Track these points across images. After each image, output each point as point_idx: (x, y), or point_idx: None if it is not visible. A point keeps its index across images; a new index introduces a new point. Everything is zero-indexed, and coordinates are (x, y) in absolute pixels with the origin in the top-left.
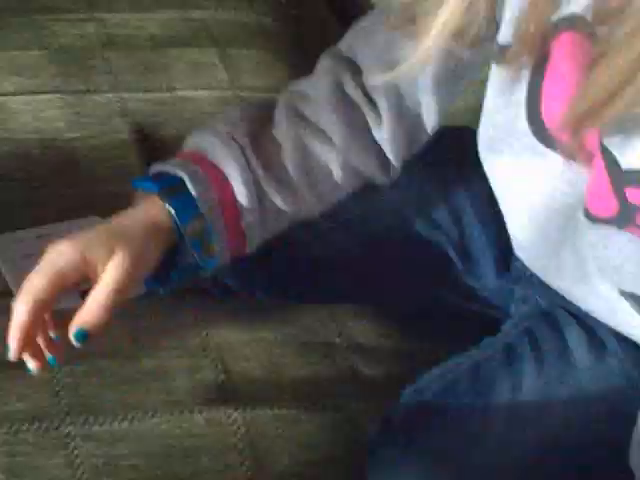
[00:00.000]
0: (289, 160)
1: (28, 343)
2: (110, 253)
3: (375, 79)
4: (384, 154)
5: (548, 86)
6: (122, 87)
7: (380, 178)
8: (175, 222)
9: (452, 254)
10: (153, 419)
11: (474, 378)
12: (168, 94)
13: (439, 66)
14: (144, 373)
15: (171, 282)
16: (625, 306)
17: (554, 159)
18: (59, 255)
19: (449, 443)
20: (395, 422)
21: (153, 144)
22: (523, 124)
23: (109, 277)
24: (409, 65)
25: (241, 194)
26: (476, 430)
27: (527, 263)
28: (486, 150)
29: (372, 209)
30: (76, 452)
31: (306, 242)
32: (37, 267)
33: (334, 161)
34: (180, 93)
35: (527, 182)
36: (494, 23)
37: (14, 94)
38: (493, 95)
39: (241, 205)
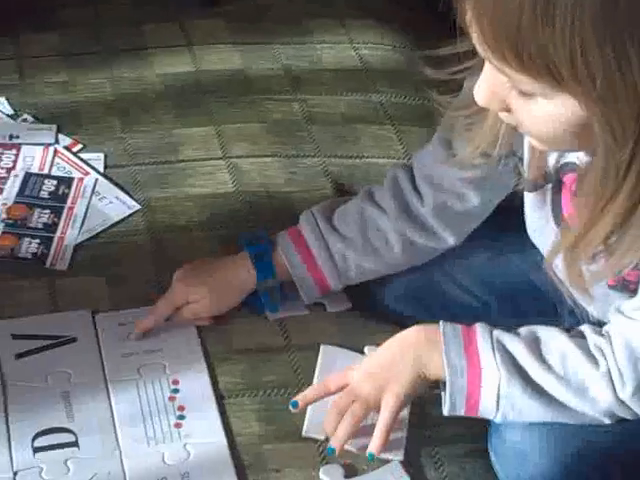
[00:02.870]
0: (352, 221)
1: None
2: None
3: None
4: (430, 226)
5: (566, 207)
6: (323, 153)
7: (432, 248)
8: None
9: None
10: None
11: None
12: (358, 160)
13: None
14: None
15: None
16: None
17: None
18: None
19: None
20: None
21: (349, 198)
22: (553, 228)
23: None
24: (453, 162)
25: (312, 243)
26: None
27: None
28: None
29: None
30: None
31: None
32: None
33: (388, 226)
34: (367, 160)
35: None
36: (515, 158)
37: (243, 157)
38: (528, 208)
39: (314, 250)
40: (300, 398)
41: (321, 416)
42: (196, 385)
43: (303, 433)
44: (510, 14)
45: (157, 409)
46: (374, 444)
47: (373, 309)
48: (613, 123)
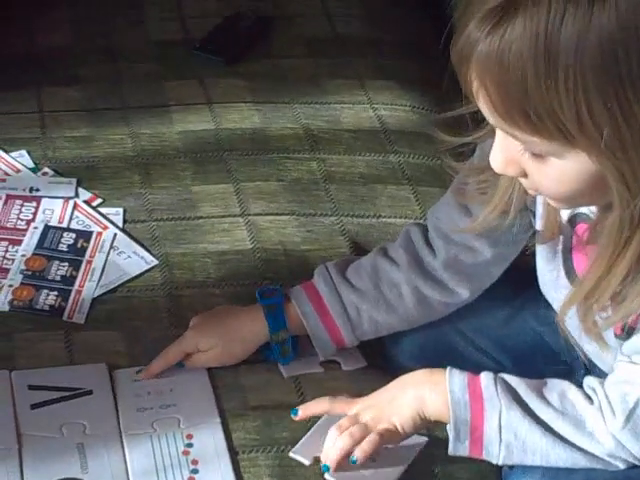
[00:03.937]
0: (365, 274)
1: None
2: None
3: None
4: (442, 280)
5: (576, 259)
6: (341, 213)
7: (445, 303)
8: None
9: None
10: None
11: None
12: (376, 220)
13: (490, 229)
14: None
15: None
16: None
17: None
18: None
19: None
20: None
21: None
22: (564, 281)
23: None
24: (472, 228)
25: (325, 295)
26: None
27: None
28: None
29: None
30: None
31: None
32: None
33: (401, 279)
34: (384, 220)
35: None
36: (528, 212)
37: (261, 214)
38: (539, 260)
39: (326, 301)
40: (302, 408)
41: (314, 442)
42: (210, 440)
43: (290, 453)
44: (515, 79)
45: (171, 463)
46: (359, 450)
47: (388, 368)
48: (625, 172)
